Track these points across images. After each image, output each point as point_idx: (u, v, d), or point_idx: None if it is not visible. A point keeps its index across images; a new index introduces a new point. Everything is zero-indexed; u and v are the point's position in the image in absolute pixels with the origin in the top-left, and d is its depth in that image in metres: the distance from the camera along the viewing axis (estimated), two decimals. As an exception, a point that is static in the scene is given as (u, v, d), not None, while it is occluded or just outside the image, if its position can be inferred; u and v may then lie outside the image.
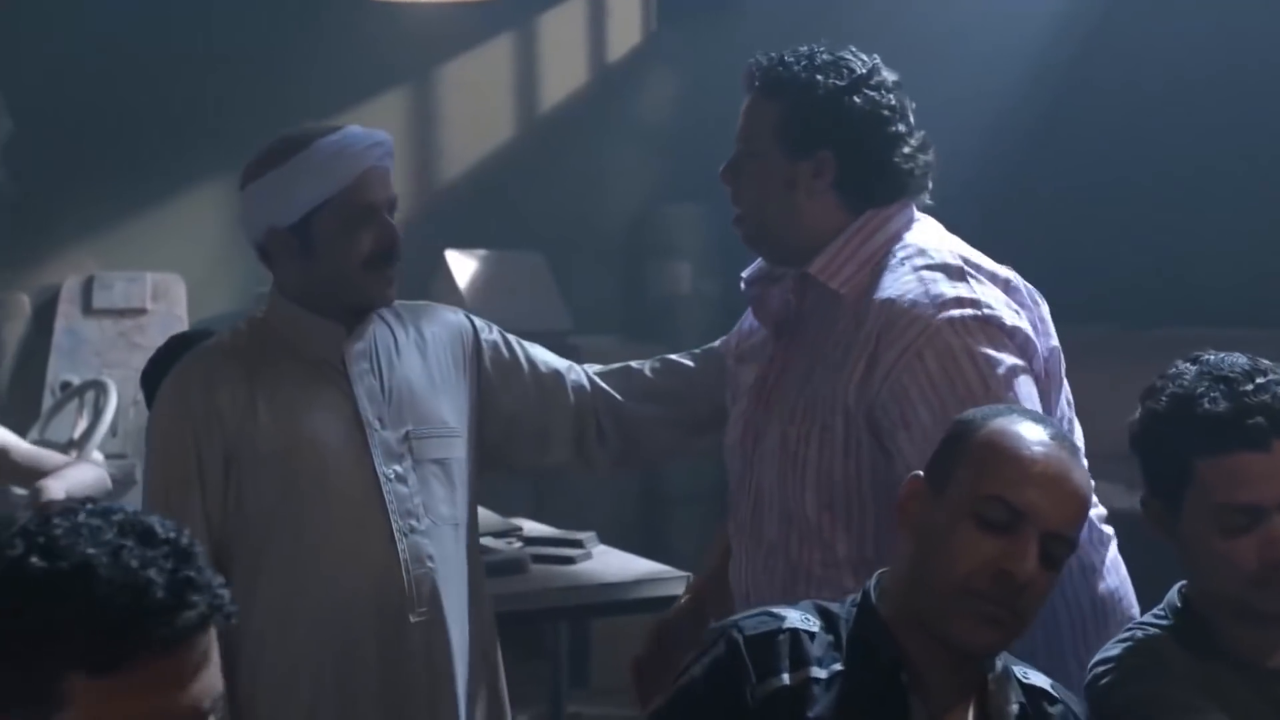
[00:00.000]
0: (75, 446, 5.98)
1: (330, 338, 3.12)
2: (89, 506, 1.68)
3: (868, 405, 2.66)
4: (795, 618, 2.25)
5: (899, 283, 2.69)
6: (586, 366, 3.37)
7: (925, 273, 2.68)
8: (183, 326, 7.15)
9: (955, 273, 2.69)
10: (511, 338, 3.34)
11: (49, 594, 1.59)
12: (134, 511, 1.68)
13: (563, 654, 4.82)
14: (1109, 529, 2.84)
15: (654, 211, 8.14)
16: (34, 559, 1.60)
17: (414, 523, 3.09)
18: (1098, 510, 2.83)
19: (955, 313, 2.63)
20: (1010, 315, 2.67)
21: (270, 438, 3.05)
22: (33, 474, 4.50)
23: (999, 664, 2.31)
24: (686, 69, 8.33)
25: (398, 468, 3.10)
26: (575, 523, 4.42)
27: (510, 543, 4.32)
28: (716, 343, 3.28)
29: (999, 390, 2.58)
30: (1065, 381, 2.83)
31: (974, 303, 2.64)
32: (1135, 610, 2.83)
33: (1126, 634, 2.51)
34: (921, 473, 2.33)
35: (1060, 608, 2.72)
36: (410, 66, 8.10)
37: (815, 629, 2.25)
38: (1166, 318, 7.06)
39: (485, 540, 3.99)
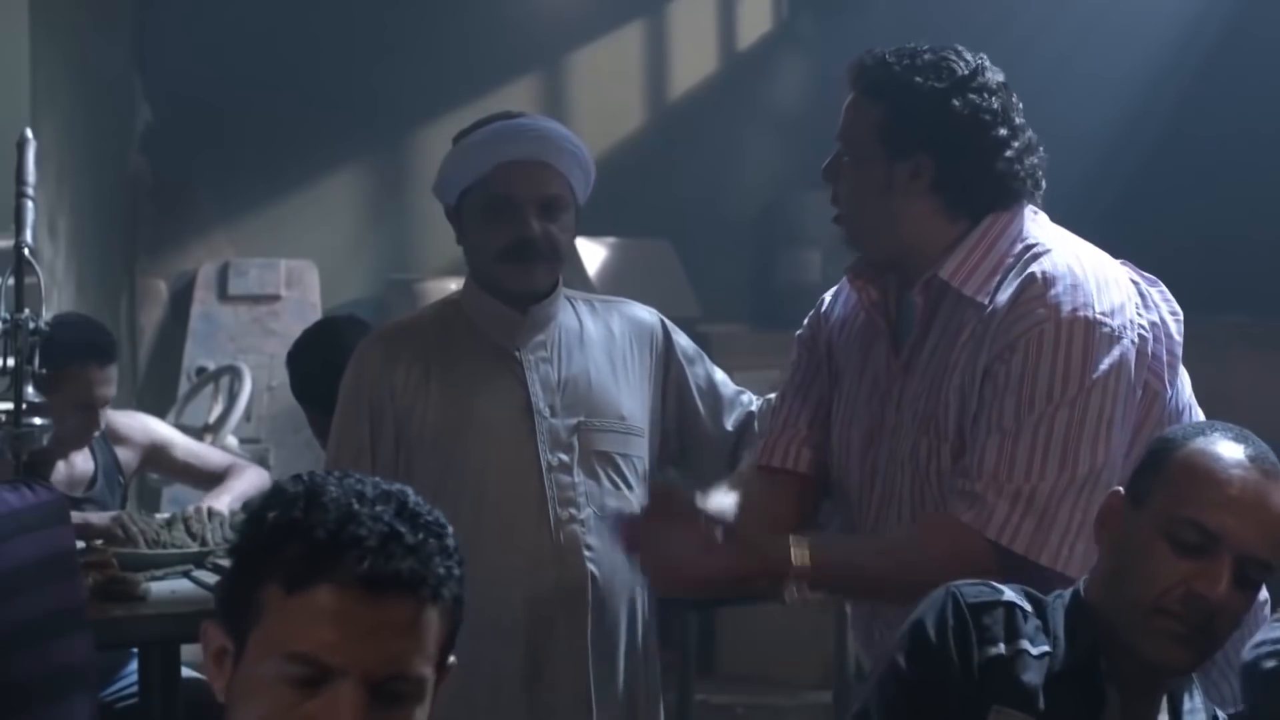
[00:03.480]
0: (210, 431, 6.07)
1: (507, 323, 3.16)
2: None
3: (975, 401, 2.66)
4: (1011, 594, 2.29)
5: (1020, 282, 2.65)
6: (755, 400, 3.38)
7: (1048, 273, 2.64)
8: (316, 313, 7.23)
9: (1075, 274, 2.64)
10: (701, 353, 3.36)
11: (276, 508, 1.70)
12: (400, 486, 1.76)
13: (690, 642, 4.82)
14: None
15: (784, 199, 8.12)
16: (289, 484, 1.73)
17: (573, 512, 3.10)
18: None
19: (1062, 314, 2.59)
20: (1118, 321, 2.63)
21: (439, 416, 3.11)
22: (194, 472, 4.63)
23: (1197, 695, 2.32)
24: (817, 56, 8.29)
25: (563, 456, 3.12)
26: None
27: (638, 530, 4.33)
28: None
29: (1072, 397, 2.57)
30: (1183, 375, 2.77)
31: (1084, 305, 2.60)
32: (1263, 605, 2.77)
33: None
34: (1122, 488, 2.33)
35: None
36: (541, 54, 8.14)
37: (1029, 609, 2.28)
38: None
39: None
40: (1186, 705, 2.30)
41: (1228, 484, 2.22)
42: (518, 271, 3.12)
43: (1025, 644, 2.23)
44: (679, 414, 3.30)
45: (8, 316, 3.58)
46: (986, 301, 2.67)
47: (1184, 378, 2.79)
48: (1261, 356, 6.65)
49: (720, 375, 3.37)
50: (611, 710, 3.16)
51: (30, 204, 3.68)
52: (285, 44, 7.50)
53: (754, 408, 3.35)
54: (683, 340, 3.34)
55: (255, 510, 1.73)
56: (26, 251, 3.63)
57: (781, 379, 3.21)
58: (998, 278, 2.68)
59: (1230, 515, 2.20)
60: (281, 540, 1.67)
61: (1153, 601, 2.20)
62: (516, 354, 3.15)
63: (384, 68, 7.73)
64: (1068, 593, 2.33)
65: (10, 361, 3.61)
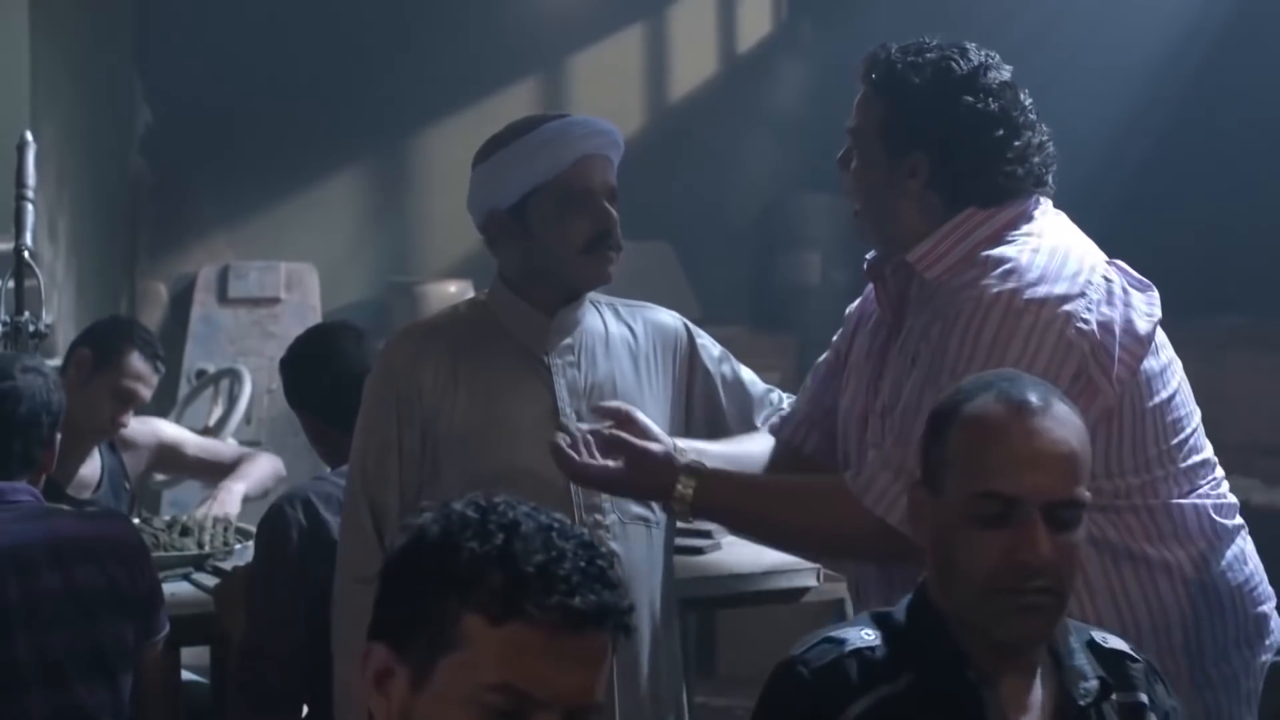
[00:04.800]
0: (210, 434, 6.06)
1: (537, 328, 3.15)
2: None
3: None
4: (854, 637, 2.23)
5: (969, 265, 2.66)
6: (786, 398, 3.37)
7: (991, 256, 2.64)
8: (316, 315, 7.23)
9: (1020, 262, 2.62)
10: (727, 353, 3.35)
11: (474, 537, 1.70)
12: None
13: (690, 644, 4.82)
14: (1234, 521, 2.78)
15: (784, 201, 8.12)
16: (471, 511, 1.73)
17: (599, 517, 3.10)
18: (1228, 500, 2.77)
19: (985, 296, 2.58)
20: (1050, 310, 2.58)
21: (465, 417, 3.10)
22: (207, 467, 4.64)
23: (1070, 638, 2.26)
24: (817, 58, 8.29)
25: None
26: (704, 513, 4.40)
27: (638, 532, 4.32)
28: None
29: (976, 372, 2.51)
30: (1177, 375, 2.76)
31: (1013, 290, 2.58)
32: (1268, 605, 2.76)
33: None
34: (918, 477, 2.27)
35: (1170, 602, 2.66)
36: (542, 56, 8.14)
37: (876, 643, 2.22)
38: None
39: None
40: (1063, 649, 2.24)
41: (1006, 442, 2.15)
42: (599, 262, 3.11)
43: (884, 688, 2.18)
44: (706, 415, 3.29)
45: (8, 319, 3.59)
46: (941, 284, 2.69)
47: (1179, 380, 2.76)
48: (1260, 356, 6.63)
49: (748, 374, 3.36)
50: (635, 716, 3.15)
51: (30, 206, 3.69)
52: (285, 46, 7.50)
53: (785, 405, 3.34)
54: (707, 341, 3.33)
55: (441, 535, 1.72)
56: (26, 254, 3.64)
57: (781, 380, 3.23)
58: (961, 265, 2.69)
59: (1021, 473, 2.13)
60: (484, 569, 1.68)
61: (985, 583, 2.13)
62: (544, 358, 3.15)
63: (384, 70, 7.73)
64: (913, 598, 2.27)
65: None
